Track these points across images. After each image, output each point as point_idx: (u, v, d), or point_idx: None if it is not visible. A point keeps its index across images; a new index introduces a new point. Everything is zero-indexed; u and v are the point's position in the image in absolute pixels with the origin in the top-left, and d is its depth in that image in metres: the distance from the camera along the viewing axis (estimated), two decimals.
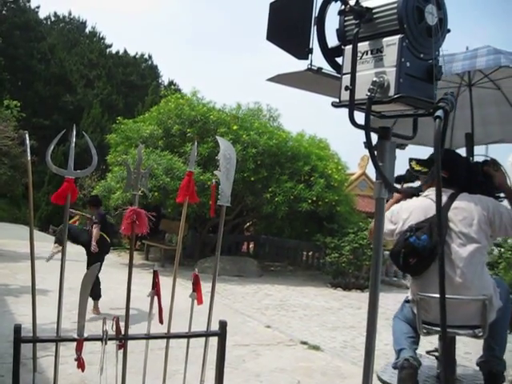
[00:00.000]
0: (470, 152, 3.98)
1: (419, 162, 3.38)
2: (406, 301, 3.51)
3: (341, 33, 1.97)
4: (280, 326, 7.48)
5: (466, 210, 3.22)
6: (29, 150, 2.78)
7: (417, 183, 3.64)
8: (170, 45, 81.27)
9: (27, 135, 2.90)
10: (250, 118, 13.30)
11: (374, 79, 1.77)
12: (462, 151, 3.97)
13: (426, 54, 1.82)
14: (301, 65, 1.99)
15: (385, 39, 1.81)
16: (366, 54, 1.85)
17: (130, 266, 2.71)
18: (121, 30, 77.00)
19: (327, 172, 12.83)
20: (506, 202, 3.40)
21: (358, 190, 20.31)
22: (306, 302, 9.73)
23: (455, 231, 3.19)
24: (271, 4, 2.07)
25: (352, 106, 1.82)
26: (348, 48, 1.89)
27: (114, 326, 2.59)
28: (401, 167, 3.42)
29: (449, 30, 1.94)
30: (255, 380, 5.04)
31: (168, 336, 2.85)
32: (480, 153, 3.97)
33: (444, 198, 3.22)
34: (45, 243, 12.87)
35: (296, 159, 12.66)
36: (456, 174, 3.36)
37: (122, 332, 2.65)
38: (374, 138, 1.93)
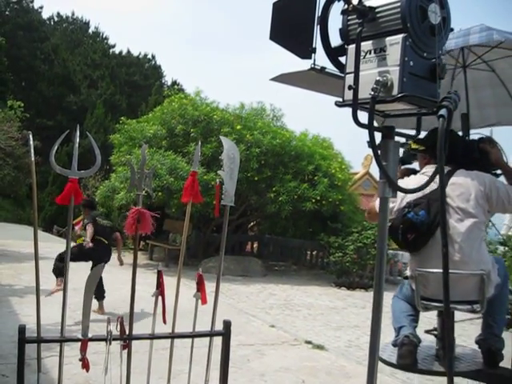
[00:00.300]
0: (466, 131, 4.00)
1: (416, 140, 3.40)
2: (405, 277, 3.54)
3: (344, 32, 1.96)
4: (284, 326, 7.49)
5: (463, 186, 3.25)
6: (32, 150, 2.78)
7: (414, 165, 3.72)
8: (172, 45, 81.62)
9: (31, 136, 2.90)
10: (253, 117, 13.30)
11: (378, 78, 1.76)
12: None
13: (429, 52, 1.82)
14: (304, 64, 1.98)
15: (388, 38, 1.80)
16: (370, 54, 1.85)
17: (135, 266, 2.71)
18: (124, 30, 77.20)
19: (331, 171, 12.83)
20: (502, 178, 3.43)
21: (361, 190, 20.25)
22: (311, 302, 9.73)
23: (453, 206, 3.21)
24: (274, 4, 2.07)
25: (355, 105, 1.82)
26: (351, 47, 1.88)
27: (119, 326, 2.59)
28: None
29: (452, 29, 1.94)
30: (260, 380, 5.04)
31: (172, 336, 2.85)
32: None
33: None
34: (49, 243, 12.97)
35: (300, 159, 12.66)
36: (452, 151, 3.39)
37: (127, 332, 2.65)
38: (378, 137, 1.92)
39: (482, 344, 3.38)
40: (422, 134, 3.03)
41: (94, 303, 6.71)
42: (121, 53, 42.90)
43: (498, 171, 3.49)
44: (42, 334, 2.63)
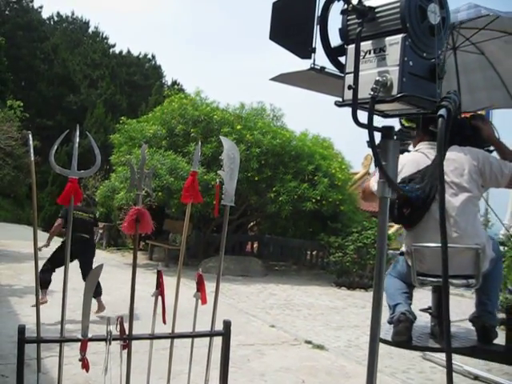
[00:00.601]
0: (458, 109, 4.03)
1: (408, 117, 3.42)
2: (400, 253, 3.55)
3: (344, 32, 1.96)
4: (284, 326, 7.49)
5: (456, 161, 3.28)
6: (32, 150, 2.78)
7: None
8: (172, 45, 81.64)
9: (30, 135, 2.90)
10: (253, 117, 13.30)
11: (377, 78, 1.76)
12: None
13: (428, 52, 1.82)
14: (304, 64, 1.98)
15: (387, 38, 1.80)
16: (369, 53, 1.85)
17: (134, 265, 2.71)
18: (124, 30, 77.32)
19: (331, 171, 12.84)
20: (495, 155, 3.46)
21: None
22: (311, 302, 9.74)
23: (447, 181, 3.22)
24: (274, 3, 2.07)
25: (355, 105, 1.82)
26: (351, 47, 1.88)
27: (118, 326, 2.59)
28: None
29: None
30: (260, 379, 5.04)
31: (172, 336, 2.85)
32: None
33: (433, 152, 3.31)
34: None
35: (300, 159, 12.66)
36: None
37: (126, 332, 2.65)
38: (378, 137, 1.92)
39: (475, 321, 3.39)
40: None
41: (94, 303, 6.70)
42: (121, 53, 42.90)
43: (491, 147, 3.52)
44: (42, 334, 2.63)
